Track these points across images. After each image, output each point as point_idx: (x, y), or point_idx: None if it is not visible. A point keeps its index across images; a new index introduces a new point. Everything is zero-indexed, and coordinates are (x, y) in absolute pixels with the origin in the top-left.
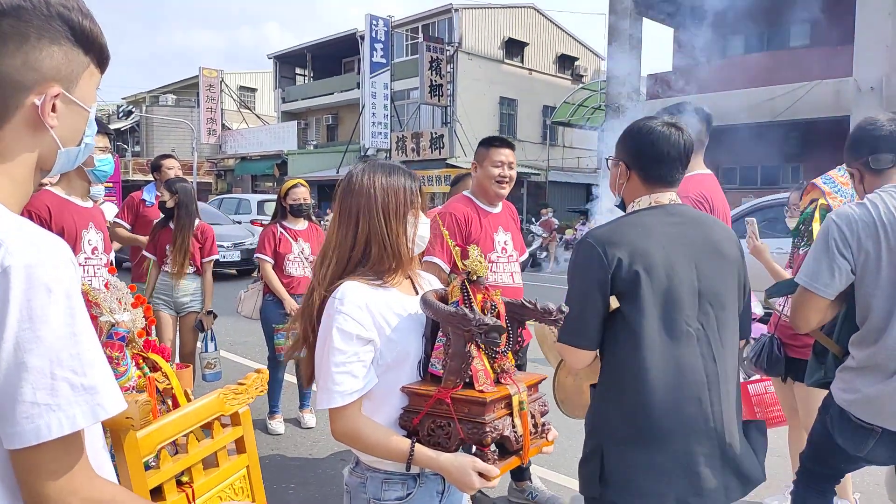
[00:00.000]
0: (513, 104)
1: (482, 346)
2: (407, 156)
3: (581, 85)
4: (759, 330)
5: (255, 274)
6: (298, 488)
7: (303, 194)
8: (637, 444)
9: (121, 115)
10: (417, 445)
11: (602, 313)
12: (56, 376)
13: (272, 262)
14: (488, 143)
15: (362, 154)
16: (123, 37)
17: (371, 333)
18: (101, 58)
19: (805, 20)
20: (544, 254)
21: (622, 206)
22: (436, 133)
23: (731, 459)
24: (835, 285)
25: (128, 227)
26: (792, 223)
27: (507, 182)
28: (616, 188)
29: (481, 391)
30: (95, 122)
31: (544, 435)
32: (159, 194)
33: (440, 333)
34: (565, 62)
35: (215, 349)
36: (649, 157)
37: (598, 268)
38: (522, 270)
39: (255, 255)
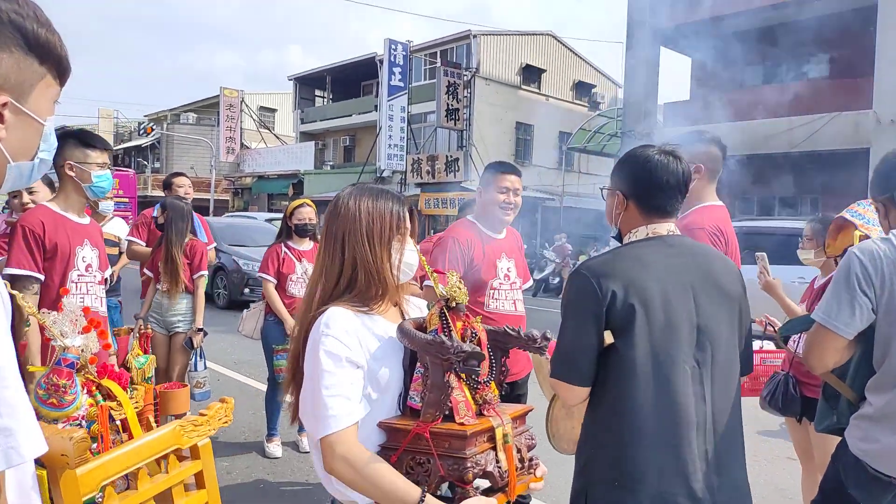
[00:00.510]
0: (529, 129)
1: (462, 376)
2: (422, 178)
3: (598, 112)
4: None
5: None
6: None
7: (308, 214)
8: (623, 487)
9: (141, 132)
10: (429, 497)
11: (596, 349)
12: None
13: (275, 281)
14: (494, 169)
15: (378, 175)
16: (147, 57)
17: (360, 359)
18: (59, 69)
19: (825, 52)
20: (557, 279)
21: (619, 237)
22: (451, 156)
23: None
24: (855, 324)
25: (142, 244)
26: (804, 255)
27: (511, 209)
28: (612, 219)
29: (462, 423)
30: (95, 137)
31: (532, 470)
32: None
33: (418, 364)
34: (582, 89)
35: (205, 368)
36: (647, 185)
37: (592, 301)
38: (534, 295)
39: (258, 275)
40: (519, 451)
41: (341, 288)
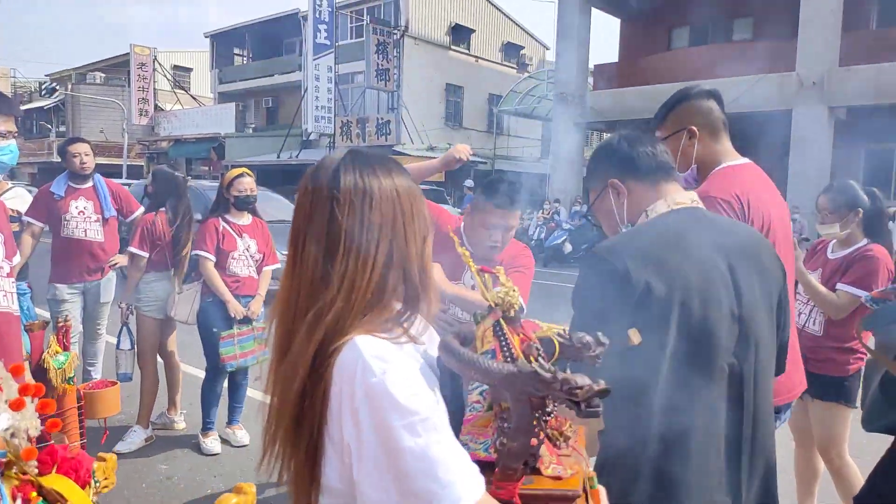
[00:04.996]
0: (459, 91)
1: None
2: (352, 141)
3: (528, 74)
4: None
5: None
6: None
7: (249, 185)
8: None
9: (44, 93)
10: None
11: (619, 348)
12: None
13: (214, 259)
14: (488, 196)
15: (304, 139)
16: (47, 8)
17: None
18: None
19: (750, 14)
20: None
21: None
22: (382, 119)
23: None
24: None
25: (41, 225)
26: (827, 231)
27: (498, 249)
28: (619, 216)
29: (557, 477)
30: None
31: None
32: (69, 184)
33: (473, 400)
34: (511, 50)
35: (119, 346)
36: (632, 151)
37: (620, 291)
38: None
39: (194, 252)
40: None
41: (359, 308)
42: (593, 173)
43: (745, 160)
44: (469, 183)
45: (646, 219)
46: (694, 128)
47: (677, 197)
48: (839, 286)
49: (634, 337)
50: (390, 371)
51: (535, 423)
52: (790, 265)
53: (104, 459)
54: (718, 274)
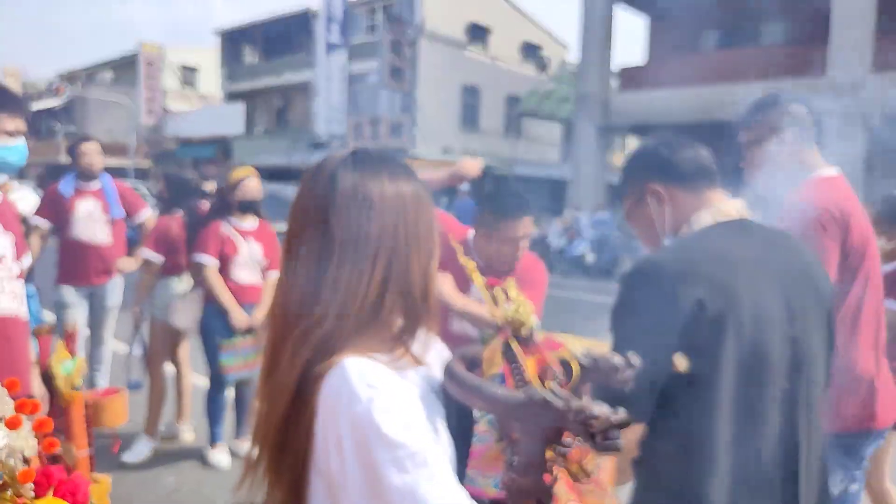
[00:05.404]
0: (475, 92)
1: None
2: (365, 143)
3: (549, 77)
4: None
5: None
6: None
7: (255, 187)
8: None
9: (52, 93)
10: None
11: (665, 375)
12: None
13: (217, 265)
14: (499, 208)
15: (315, 141)
16: (56, 6)
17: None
18: None
19: (778, 16)
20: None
21: None
22: (395, 120)
23: None
24: None
25: (49, 226)
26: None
27: (518, 257)
28: (660, 227)
29: None
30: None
31: None
32: (77, 184)
33: (479, 429)
34: (529, 50)
35: (132, 352)
36: (676, 154)
37: (669, 312)
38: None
39: (195, 258)
40: None
41: (353, 324)
42: (630, 178)
43: (837, 171)
44: (465, 186)
45: (689, 230)
46: (785, 134)
47: (723, 206)
48: (887, 303)
49: (680, 363)
50: (378, 398)
51: (548, 456)
52: (879, 284)
53: (97, 482)
54: (770, 292)
